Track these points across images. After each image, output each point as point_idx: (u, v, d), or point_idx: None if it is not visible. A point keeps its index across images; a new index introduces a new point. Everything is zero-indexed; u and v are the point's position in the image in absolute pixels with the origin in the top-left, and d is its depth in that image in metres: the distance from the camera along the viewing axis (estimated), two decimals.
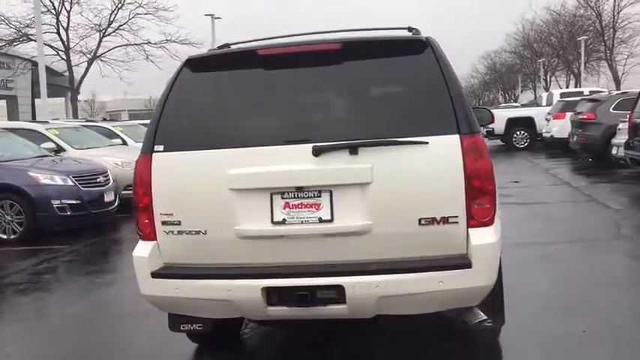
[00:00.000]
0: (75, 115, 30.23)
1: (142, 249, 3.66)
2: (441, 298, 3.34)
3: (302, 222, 3.44)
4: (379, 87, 3.56)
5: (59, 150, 12.11)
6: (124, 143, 14.81)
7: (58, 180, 9.71)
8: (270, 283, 3.41)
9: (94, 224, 10.07)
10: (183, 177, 3.57)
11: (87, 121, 18.01)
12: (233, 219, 3.48)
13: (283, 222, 3.45)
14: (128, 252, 9.26)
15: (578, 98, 18.65)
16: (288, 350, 4.51)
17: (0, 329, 5.27)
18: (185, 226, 3.57)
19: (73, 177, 9.84)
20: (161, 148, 3.62)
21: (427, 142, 3.31)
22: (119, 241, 9.49)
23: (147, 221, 3.65)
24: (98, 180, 10.20)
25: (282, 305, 3.44)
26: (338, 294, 3.35)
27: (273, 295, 3.42)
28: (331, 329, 4.20)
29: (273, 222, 3.46)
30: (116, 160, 12.09)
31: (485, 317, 3.44)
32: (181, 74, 3.73)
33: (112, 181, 10.53)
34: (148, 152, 3.64)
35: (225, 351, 4.44)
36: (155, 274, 3.58)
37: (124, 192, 11.54)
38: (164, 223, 3.61)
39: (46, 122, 14.33)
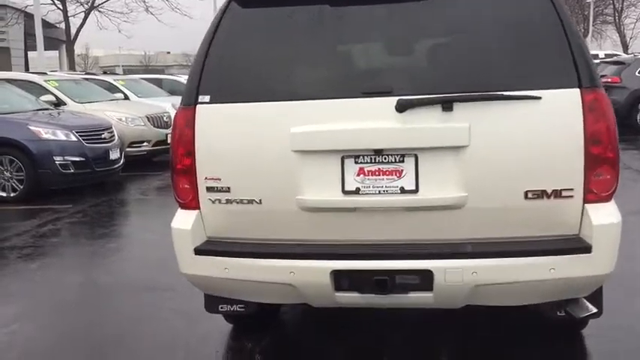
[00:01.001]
0: (72, 68, 29.19)
1: (183, 220, 3.05)
2: (550, 288, 2.78)
3: (379, 192, 2.84)
4: (479, 28, 2.90)
5: (59, 103, 11.40)
6: (126, 98, 14.08)
7: (61, 135, 9.05)
8: (340, 265, 2.83)
9: (99, 183, 9.47)
10: (233, 135, 2.95)
11: (86, 73, 17.16)
12: (295, 187, 2.88)
13: (356, 192, 2.85)
14: (137, 214, 8.76)
15: (597, 61, 17.94)
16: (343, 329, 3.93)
17: (4, 302, 4.68)
18: (235, 193, 2.96)
19: (76, 132, 9.19)
20: (207, 99, 2.98)
21: (540, 98, 2.69)
22: (126, 202, 8.89)
23: (187, 187, 3.04)
24: (103, 136, 9.55)
25: (354, 291, 2.87)
26: (423, 280, 2.78)
27: (343, 280, 2.85)
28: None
29: (344, 191, 2.86)
30: (120, 115, 11.42)
31: (595, 309, 2.88)
32: (229, 10, 3.07)
33: (117, 137, 9.87)
34: (190, 104, 3.00)
35: (263, 331, 3.88)
36: (199, 251, 2.99)
37: (128, 149, 10.94)
38: (209, 189, 3.00)
39: (44, 73, 13.55)
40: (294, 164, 2.88)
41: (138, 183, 10.15)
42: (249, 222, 3.00)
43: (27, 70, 27.40)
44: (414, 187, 2.82)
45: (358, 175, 2.87)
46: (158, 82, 17.21)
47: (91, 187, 9.27)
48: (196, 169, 3.02)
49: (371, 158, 2.85)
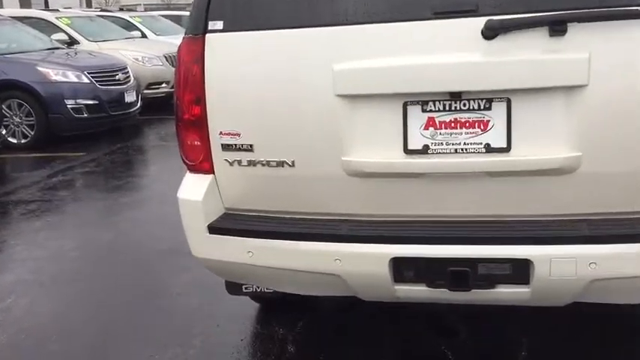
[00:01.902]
0: (89, 5, 28.24)
1: (193, 187, 2.34)
2: None
3: (456, 151, 2.08)
4: None
5: (72, 42, 10.68)
6: (144, 36, 13.25)
7: (72, 76, 8.36)
8: (403, 250, 2.10)
9: (114, 128, 8.81)
10: (255, 74, 2.18)
11: (101, 10, 16.29)
12: (340, 144, 2.13)
13: (424, 151, 2.09)
14: (155, 163, 7.97)
15: None
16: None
17: (1, 270, 4.07)
18: (260, 153, 2.23)
19: (89, 73, 8.48)
20: (219, 25, 2.20)
21: None
22: (144, 150, 8.22)
23: (198, 143, 2.31)
24: (117, 77, 8.83)
25: (421, 284, 2.15)
26: (517, 271, 2.04)
27: (406, 270, 2.12)
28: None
29: (407, 151, 2.10)
30: (136, 54, 10.66)
31: None
32: None
33: (132, 78, 9.14)
34: (197, 33, 2.23)
35: (297, 313, 3.21)
36: (215, 229, 2.28)
37: (146, 91, 10.25)
38: (226, 147, 2.27)
39: (57, 10, 12.76)
40: (339, 114, 2.11)
41: (156, 127, 9.47)
42: (278, 191, 2.27)
43: (46, 7, 26.58)
44: (504, 144, 2.04)
45: (427, 127, 2.09)
46: (177, 19, 16.27)
47: (106, 132, 8.63)
48: (208, 121, 2.27)
49: (445, 105, 2.07)
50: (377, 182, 2.16)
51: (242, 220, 2.31)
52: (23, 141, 8.20)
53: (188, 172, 2.42)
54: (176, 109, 2.37)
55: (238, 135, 2.25)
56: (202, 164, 2.34)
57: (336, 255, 2.14)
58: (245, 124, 2.23)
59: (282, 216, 2.29)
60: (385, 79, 2.08)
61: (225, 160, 2.30)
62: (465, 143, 2.08)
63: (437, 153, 2.09)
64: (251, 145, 2.24)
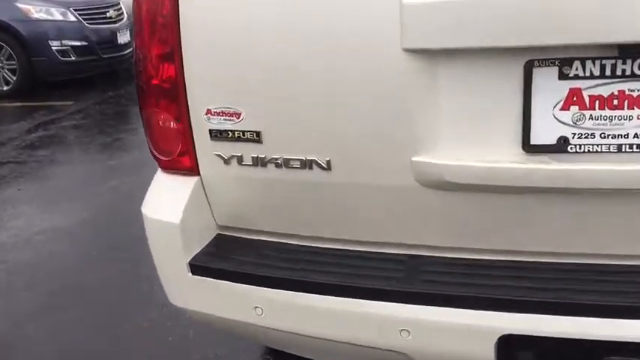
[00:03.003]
0: None
1: (165, 197, 1.49)
2: None
3: (621, 149, 1.18)
4: None
5: None
6: None
7: (56, 14, 7.38)
8: (520, 325, 1.22)
9: (107, 73, 7.87)
10: (266, 17, 1.26)
11: None
12: (409, 136, 1.25)
13: (562, 147, 1.21)
14: None
15: None
16: None
17: None
18: (273, 146, 1.36)
19: (76, 10, 7.49)
20: None
21: None
22: None
23: (172, 125, 1.44)
24: (108, 14, 7.83)
25: None
26: None
27: (524, 356, 1.25)
28: None
29: (528, 147, 1.23)
30: None
31: None
32: None
33: (126, 15, 8.12)
34: None
35: None
36: (200, 268, 1.42)
37: None
38: (218, 135, 1.39)
39: None
40: (409, 83, 1.21)
41: None
42: (303, 208, 1.40)
43: None
44: None
45: (566, 107, 1.19)
46: None
47: (98, 77, 7.70)
48: (187, 90, 1.38)
49: (604, 67, 1.16)
50: (471, 199, 1.27)
51: (245, 251, 1.44)
52: (5, 88, 7.32)
53: (160, 170, 1.54)
54: (136, 69, 1.47)
55: (237, 116, 1.36)
56: (181, 160, 1.46)
57: (402, 324, 1.27)
58: (248, 98, 1.34)
59: (311, 248, 1.42)
60: (492, 22, 1.15)
61: (218, 155, 1.42)
62: (637, 136, 1.17)
63: (584, 152, 1.20)
64: (258, 134, 1.36)
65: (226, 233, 1.52)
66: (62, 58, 7.28)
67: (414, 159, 1.26)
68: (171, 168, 1.49)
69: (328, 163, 1.33)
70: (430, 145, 1.26)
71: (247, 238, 1.49)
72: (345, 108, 1.27)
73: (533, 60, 1.18)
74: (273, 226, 1.46)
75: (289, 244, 1.45)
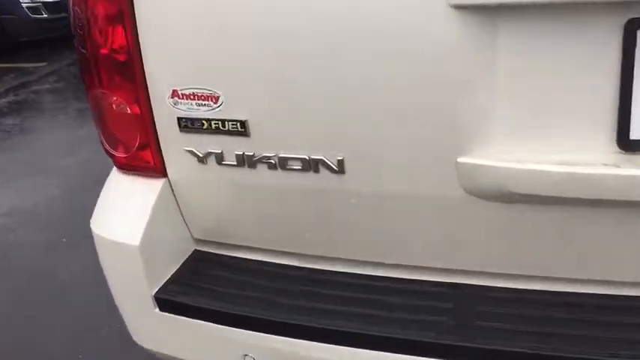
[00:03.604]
0: None
1: (121, 209, 1.10)
2: None
3: None
4: None
5: None
6: None
7: None
8: None
9: None
10: None
11: None
12: (452, 126, 0.88)
13: None
14: None
15: None
16: None
17: None
18: (263, 141, 0.98)
19: None
20: None
21: None
22: None
23: (127, 110, 1.05)
24: None
25: None
26: None
27: None
28: None
29: (625, 143, 0.84)
30: None
31: None
32: None
33: None
34: None
35: None
36: (169, 303, 1.06)
37: None
38: (190, 125, 1.01)
39: None
40: (455, 51, 0.84)
41: None
42: (305, 222, 1.04)
43: None
44: None
45: None
46: None
47: (72, 37, 7.18)
48: (144, 64, 1.00)
49: None
50: (541, 215, 0.92)
51: (230, 278, 1.09)
52: None
53: (115, 171, 1.17)
54: (77, 34, 1.09)
55: (214, 100, 0.99)
56: (141, 156, 1.10)
57: None
58: (229, 75, 0.97)
59: (318, 274, 1.07)
60: None
61: (190, 151, 1.05)
62: None
63: None
64: (243, 124, 0.99)
65: (206, 250, 1.17)
66: (33, 16, 6.78)
67: (460, 160, 0.91)
68: (130, 167, 1.12)
69: (340, 163, 0.97)
70: (484, 141, 0.90)
71: (234, 258, 1.14)
72: (364, 87, 0.91)
73: (635, 19, 0.81)
74: (268, 244, 1.11)
75: (289, 267, 1.10)
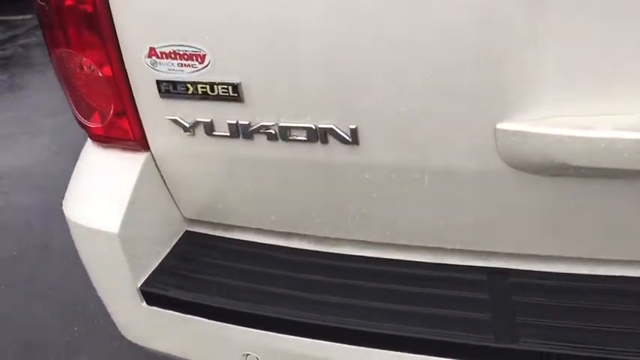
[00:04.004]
0: None
1: (97, 192, 0.94)
2: None
3: None
4: None
5: None
6: None
7: None
8: None
9: None
10: None
11: None
12: (493, 84, 0.69)
13: None
14: None
15: None
16: None
17: None
18: (260, 107, 0.81)
19: None
20: None
21: None
22: None
23: (98, 73, 0.87)
24: None
25: None
26: None
27: None
28: None
29: None
30: None
31: None
32: None
33: None
34: None
35: None
36: (157, 297, 0.91)
37: None
38: (172, 90, 0.84)
39: None
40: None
41: None
42: (312, 200, 0.88)
43: None
44: None
45: None
46: None
47: None
48: (113, 17, 0.83)
49: None
50: (598, 189, 0.76)
51: (227, 265, 0.94)
52: None
53: (89, 143, 1.01)
54: None
55: (199, 59, 0.82)
56: (117, 124, 0.93)
57: None
58: (216, 28, 0.79)
59: (329, 258, 0.92)
60: None
61: (174, 120, 0.89)
62: None
63: None
64: (235, 88, 0.83)
65: (199, 231, 1.02)
66: None
67: (499, 126, 0.74)
68: (106, 139, 0.96)
69: (354, 133, 0.81)
70: (527, 103, 0.73)
71: (230, 241, 0.99)
72: (382, 40, 0.74)
73: None
74: (269, 224, 0.96)
75: (295, 250, 0.95)
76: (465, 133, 0.76)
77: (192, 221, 1.02)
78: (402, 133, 0.79)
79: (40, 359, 1.80)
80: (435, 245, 0.89)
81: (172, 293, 0.89)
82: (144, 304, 0.93)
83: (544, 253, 0.85)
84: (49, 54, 0.94)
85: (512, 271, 0.86)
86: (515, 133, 0.74)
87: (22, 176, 3.04)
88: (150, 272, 0.93)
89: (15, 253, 2.41)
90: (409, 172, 0.82)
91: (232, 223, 0.99)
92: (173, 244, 0.99)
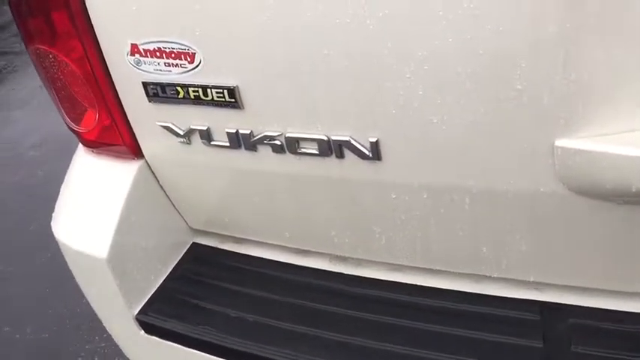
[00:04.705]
0: None
1: (85, 208, 0.82)
2: None
3: None
4: None
5: None
6: None
7: None
8: None
9: None
10: None
11: None
12: (552, 91, 0.53)
13: None
14: None
15: None
16: None
17: None
18: (264, 115, 0.68)
19: None
20: None
21: None
22: None
23: (75, 72, 0.74)
24: None
25: None
26: None
27: None
28: None
29: None
30: None
31: None
32: None
33: None
34: None
35: None
36: (155, 329, 0.80)
37: None
38: (158, 93, 0.72)
39: None
40: None
41: None
42: (327, 218, 0.74)
43: None
44: None
45: None
46: None
47: None
48: (87, 8, 0.69)
49: None
50: None
51: (234, 290, 0.82)
52: None
53: (80, 149, 0.89)
54: None
55: (189, 58, 0.68)
56: (104, 130, 0.81)
57: None
58: (208, 21, 0.65)
59: (348, 281, 0.79)
60: None
61: (165, 127, 0.75)
62: None
63: None
64: (232, 92, 0.68)
65: (207, 243, 0.90)
66: None
67: (559, 143, 0.58)
68: (96, 144, 0.84)
69: (374, 147, 0.66)
70: (598, 114, 0.56)
71: (240, 257, 0.87)
72: (412, 33, 0.58)
73: None
74: (283, 240, 0.83)
75: (313, 271, 0.82)
76: (514, 150, 0.61)
77: (199, 232, 0.90)
78: (435, 147, 0.63)
79: None
80: (476, 272, 0.74)
81: (171, 326, 0.78)
82: (142, 332, 0.82)
83: (614, 289, 0.69)
84: (26, 48, 0.82)
85: (571, 308, 0.70)
86: (579, 152, 0.57)
87: (60, 146, 3.00)
88: (147, 298, 0.82)
89: None
90: (445, 193, 0.67)
91: (242, 237, 0.87)
92: (178, 258, 0.88)
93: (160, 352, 0.83)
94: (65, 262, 0.87)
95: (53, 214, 0.86)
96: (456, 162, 0.64)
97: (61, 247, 0.83)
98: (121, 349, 0.94)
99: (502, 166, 0.62)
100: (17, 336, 1.72)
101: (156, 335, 0.81)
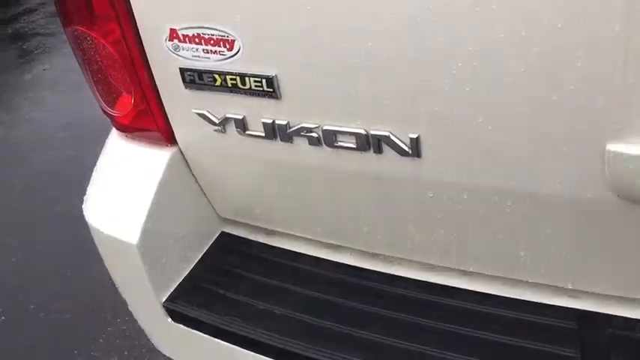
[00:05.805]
0: None
1: (117, 193, 0.82)
2: None
3: None
4: None
5: None
6: None
7: None
8: None
9: None
10: None
11: None
12: (605, 91, 0.50)
13: None
14: None
15: None
16: None
17: None
18: (302, 106, 0.66)
19: None
20: None
21: None
22: None
23: (114, 55, 0.73)
24: None
25: None
26: None
27: None
28: None
29: None
30: None
31: None
32: None
33: None
34: None
35: None
36: (182, 317, 0.79)
37: None
38: (195, 80, 0.70)
39: None
40: None
41: None
42: (365, 214, 0.73)
43: None
44: None
45: None
46: None
47: None
48: None
49: None
50: None
51: (263, 282, 0.81)
52: None
53: (113, 133, 0.89)
54: None
55: (228, 45, 0.67)
56: (138, 115, 0.80)
57: None
58: (248, 11, 0.63)
59: (380, 278, 0.77)
60: None
61: (201, 115, 0.74)
62: None
63: None
64: (270, 82, 0.67)
65: (236, 233, 0.89)
66: None
67: (611, 147, 0.56)
68: (129, 129, 0.84)
69: (414, 143, 0.64)
70: None
71: (270, 248, 0.85)
72: (457, 26, 0.56)
73: None
74: (315, 234, 0.82)
75: (344, 267, 0.80)
76: (562, 153, 0.58)
77: (228, 221, 0.89)
78: (479, 147, 0.61)
79: None
80: (512, 277, 0.72)
81: (198, 315, 0.77)
82: (169, 319, 0.82)
83: None
84: (64, 32, 0.81)
85: (609, 318, 0.68)
86: (632, 157, 0.55)
87: (90, 128, 3.02)
88: (176, 285, 0.81)
89: None
90: (486, 194, 0.65)
91: (273, 228, 0.86)
92: (206, 247, 0.87)
93: (185, 339, 0.82)
94: (90, 244, 0.87)
95: (84, 197, 0.85)
96: (501, 163, 0.62)
97: (92, 231, 0.83)
98: (140, 333, 0.94)
99: (549, 169, 0.60)
100: (42, 314, 1.73)
101: (182, 323, 0.80)
